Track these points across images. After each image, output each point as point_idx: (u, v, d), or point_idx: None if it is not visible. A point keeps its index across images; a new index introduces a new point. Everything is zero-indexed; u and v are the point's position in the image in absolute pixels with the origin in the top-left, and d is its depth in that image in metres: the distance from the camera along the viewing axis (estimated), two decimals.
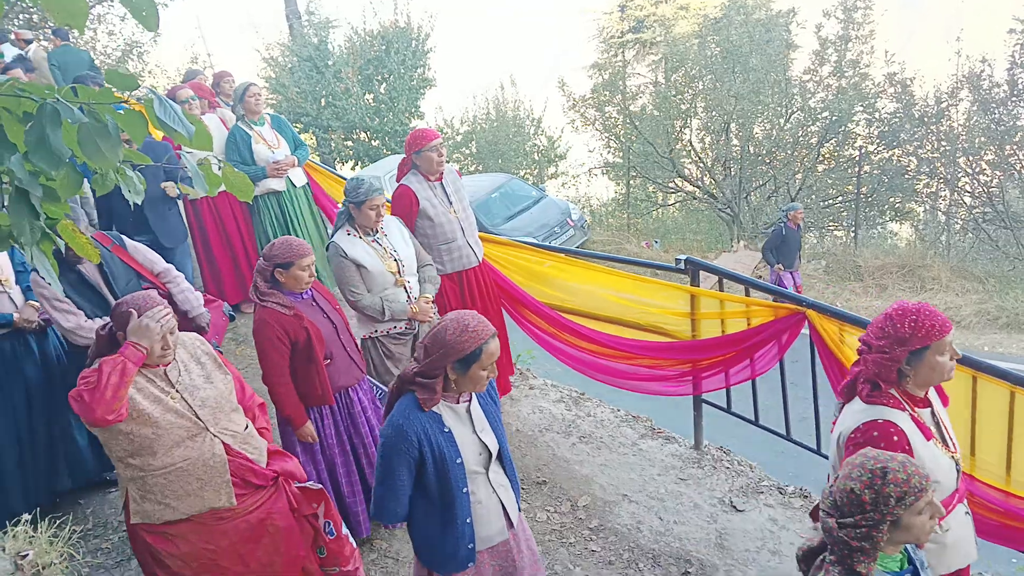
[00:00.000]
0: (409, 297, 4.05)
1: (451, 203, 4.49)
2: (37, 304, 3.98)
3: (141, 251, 4.13)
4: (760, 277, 12.19)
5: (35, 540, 3.48)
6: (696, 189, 17.03)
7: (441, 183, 4.48)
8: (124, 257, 3.98)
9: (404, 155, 4.46)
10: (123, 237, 4.13)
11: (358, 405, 3.77)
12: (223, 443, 2.82)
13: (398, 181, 4.50)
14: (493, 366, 2.46)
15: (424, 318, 4.10)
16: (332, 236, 4.00)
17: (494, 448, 2.60)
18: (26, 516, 3.52)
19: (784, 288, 9.22)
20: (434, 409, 2.49)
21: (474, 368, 2.42)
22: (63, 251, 3.38)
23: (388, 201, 4.43)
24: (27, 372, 4.01)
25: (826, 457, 4.27)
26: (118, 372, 2.53)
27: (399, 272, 4.01)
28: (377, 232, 4.00)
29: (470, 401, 2.58)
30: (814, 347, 3.89)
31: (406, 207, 4.38)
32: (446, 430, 2.49)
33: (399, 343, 4.14)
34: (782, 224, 9.62)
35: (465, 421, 2.55)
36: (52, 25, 14.22)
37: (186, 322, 4.03)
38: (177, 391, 2.76)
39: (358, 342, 3.91)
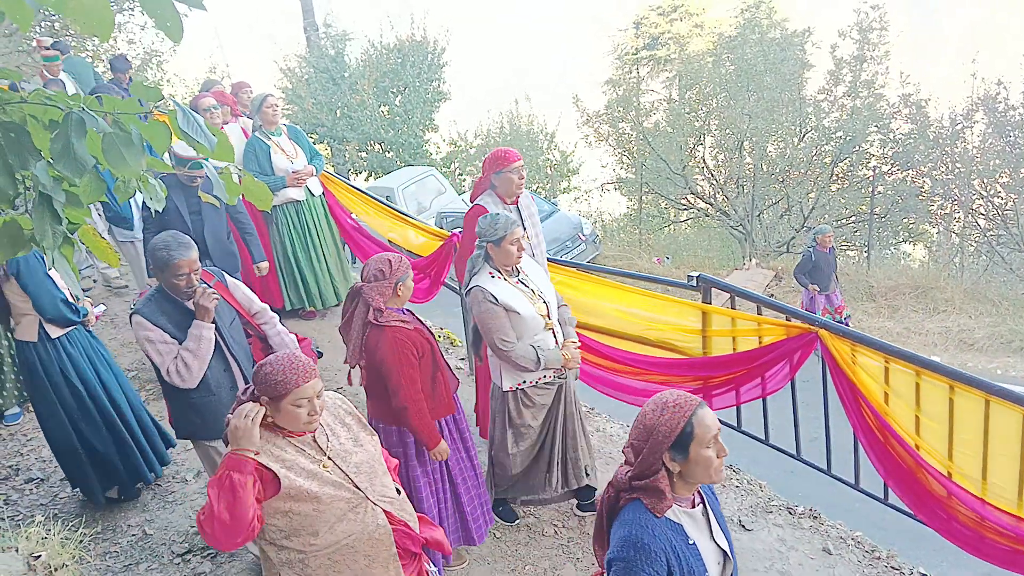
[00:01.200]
0: (556, 342, 3.69)
1: (525, 229, 4.16)
2: (90, 300, 4.21)
3: (240, 288, 3.80)
4: (772, 295, 12.16)
5: (47, 541, 3.51)
6: (708, 206, 17.03)
7: (517, 207, 4.22)
8: (225, 295, 3.63)
9: (480, 176, 4.21)
10: (224, 273, 3.78)
11: (460, 411, 3.75)
12: (384, 511, 2.54)
13: (472, 201, 4.28)
14: (718, 443, 2.03)
15: (575, 364, 3.74)
16: (471, 280, 3.60)
17: (728, 552, 2.21)
18: (39, 518, 3.55)
19: (813, 311, 9.00)
20: (674, 519, 2.10)
21: (694, 449, 2.00)
22: (177, 287, 3.29)
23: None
24: (103, 355, 4.33)
25: (837, 478, 4.27)
26: (228, 493, 2.22)
27: (548, 315, 3.64)
28: (520, 272, 3.65)
29: (703, 502, 2.20)
30: (826, 367, 3.88)
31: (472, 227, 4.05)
32: (691, 543, 2.10)
33: (544, 393, 3.77)
34: (811, 249, 9.34)
35: (703, 527, 2.17)
36: (73, 33, 14.42)
37: None
38: (330, 458, 2.45)
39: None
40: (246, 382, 3.48)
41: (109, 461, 4.19)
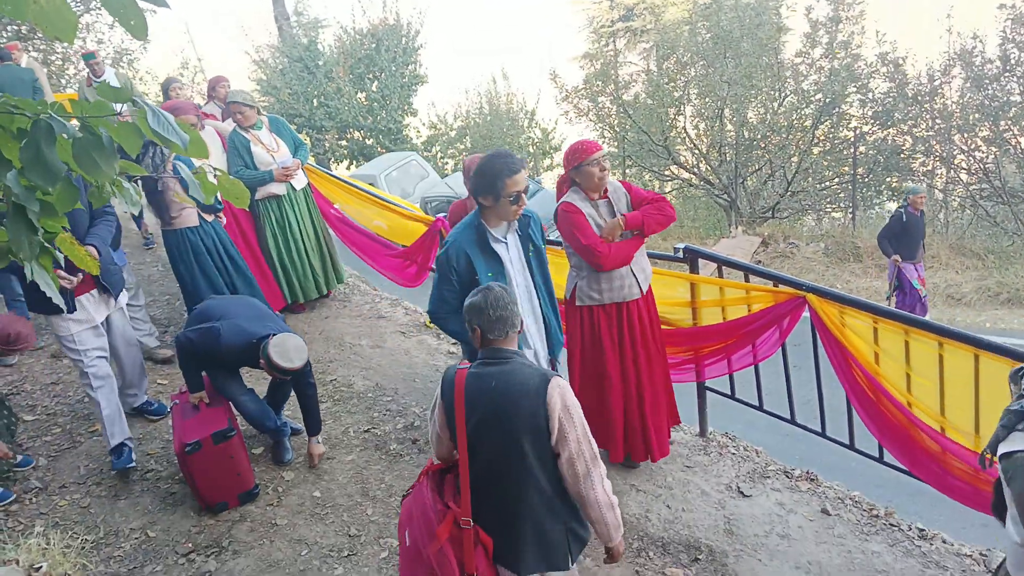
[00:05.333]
0: None
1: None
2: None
3: None
4: (760, 262, 12.19)
5: (48, 551, 3.49)
6: (692, 176, 17.02)
7: (607, 200, 3.95)
8: None
9: (563, 174, 4.01)
10: None
11: None
12: None
13: (558, 200, 4.05)
14: None
15: None
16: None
17: None
18: (39, 528, 3.53)
19: (907, 282, 8.40)
20: None
21: None
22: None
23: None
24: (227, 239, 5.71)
25: (832, 439, 4.30)
26: None
27: None
28: None
29: None
30: (815, 330, 3.90)
31: (573, 226, 3.89)
32: None
33: None
34: (903, 210, 8.47)
35: None
36: (41, 36, 14.20)
37: None
38: None
39: None
40: None
41: None
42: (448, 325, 3.51)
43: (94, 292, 4.43)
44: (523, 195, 3.25)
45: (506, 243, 3.44)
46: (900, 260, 8.45)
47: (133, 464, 4.56)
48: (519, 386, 2.48)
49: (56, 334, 4.40)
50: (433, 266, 6.03)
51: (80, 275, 4.23)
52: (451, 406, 2.58)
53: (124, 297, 4.75)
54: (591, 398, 4.12)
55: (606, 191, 3.94)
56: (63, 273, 4.07)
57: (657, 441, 4.25)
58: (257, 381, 5.29)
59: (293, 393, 4.67)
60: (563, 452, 2.49)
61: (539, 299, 3.56)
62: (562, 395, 2.48)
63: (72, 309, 4.29)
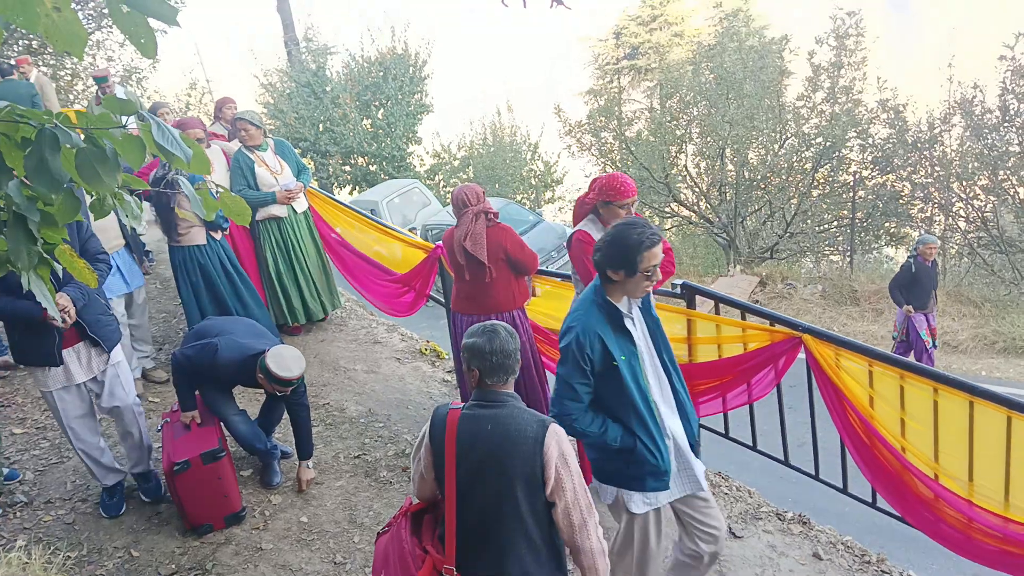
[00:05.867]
0: None
1: None
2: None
3: None
4: (757, 302, 12.19)
5: (28, 567, 3.44)
6: (692, 214, 17.10)
7: None
8: None
9: (587, 193, 3.98)
10: None
11: None
12: None
13: (574, 223, 4.10)
14: None
15: None
16: None
17: None
18: (21, 543, 3.48)
19: (911, 333, 8.24)
20: None
21: None
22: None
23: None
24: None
25: (825, 483, 4.27)
26: None
27: None
28: None
29: None
30: (811, 371, 3.89)
31: (585, 255, 3.82)
32: None
33: None
34: (911, 260, 8.25)
35: None
36: (51, 51, 14.32)
37: None
38: None
39: None
40: None
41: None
42: (579, 425, 2.90)
43: (79, 346, 3.98)
44: (658, 269, 2.87)
45: (633, 318, 3.01)
46: (912, 311, 8.25)
47: (123, 511, 4.39)
48: (516, 432, 2.41)
49: (39, 389, 4.09)
50: (431, 293, 6.03)
51: (67, 323, 3.76)
52: (440, 448, 2.50)
53: (119, 353, 4.23)
54: None
55: None
56: (62, 302, 3.73)
57: None
58: (249, 402, 5.27)
59: (285, 416, 4.64)
60: (559, 502, 2.42)
61: (667, 376, 3.14)
62: (559, 443, 2.42)
63: (59, 363, 3.91)
